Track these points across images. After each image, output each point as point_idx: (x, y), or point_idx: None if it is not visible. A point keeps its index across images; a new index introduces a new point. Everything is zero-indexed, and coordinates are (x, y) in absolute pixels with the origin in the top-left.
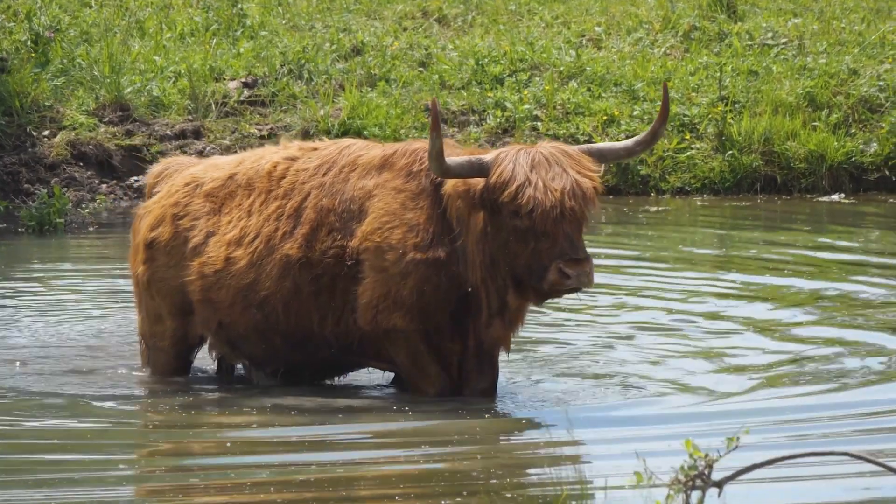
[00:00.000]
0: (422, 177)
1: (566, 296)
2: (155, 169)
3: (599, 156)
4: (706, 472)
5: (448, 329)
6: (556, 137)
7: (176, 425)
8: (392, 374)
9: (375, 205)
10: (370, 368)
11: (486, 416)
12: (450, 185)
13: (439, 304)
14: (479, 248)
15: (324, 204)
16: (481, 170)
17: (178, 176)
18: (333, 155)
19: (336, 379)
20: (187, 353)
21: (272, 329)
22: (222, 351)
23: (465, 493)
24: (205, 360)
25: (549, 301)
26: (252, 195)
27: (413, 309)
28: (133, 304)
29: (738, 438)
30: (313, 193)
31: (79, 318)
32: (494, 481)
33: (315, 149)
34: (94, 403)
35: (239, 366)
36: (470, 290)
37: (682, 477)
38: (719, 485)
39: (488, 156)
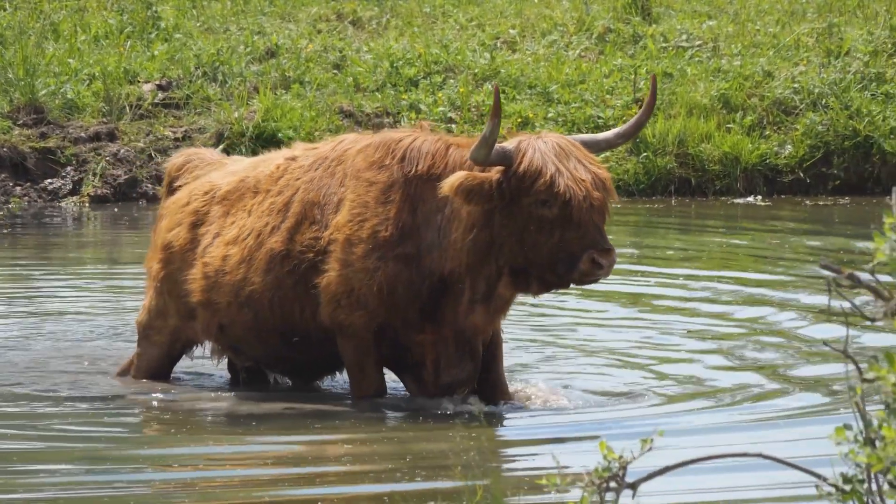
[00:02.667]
0: (393, 169)
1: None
2: (175, 161)
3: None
4: (620, 474)
5: (417, 321)
6: None
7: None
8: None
9: (348, 196)
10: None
11: (418, 417)
12: (453, 182)
13: (410, 299)
14: (468, 234)
15: (310, 198)
16: (505, 158)
17: (199, 172)
18: (327, 151)
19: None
20: (178, 354)
21: (264, 327)
22: (226, 355)
23: (386, 493)
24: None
25: (547, 293)
26: (256, 196)
27: (378, 307)
28: (53, 310)
29: (651, 440)
30: (302, 188)
31: None
32: (418, 470)
33: (315, 148)
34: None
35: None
36: (447, 277)
37: (595, 479)
38: (633, 486)
39: (509, 144)
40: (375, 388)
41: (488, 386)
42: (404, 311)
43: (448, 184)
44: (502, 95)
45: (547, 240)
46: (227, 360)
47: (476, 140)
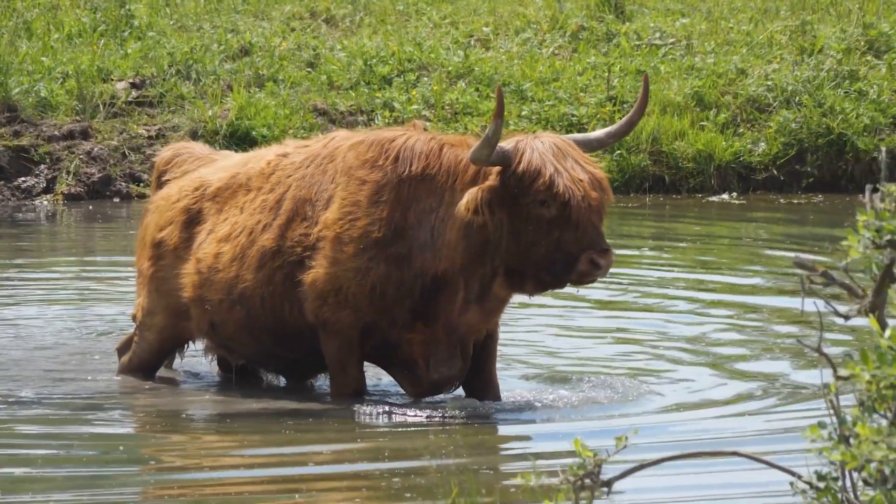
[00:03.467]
0: (386, 169)
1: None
2: (164, 155)
3: None
4: (595, 472)
5: (407, 320)
6: None
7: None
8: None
9: (338, 193)
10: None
11: (395, 416)
12: (473, 203)
13: (400, 299)
14: (463, 234)
15: (301, 195)
16: (504, 158)
17: (188, 167)
18: (318, 148)
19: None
20: (168, 352)
21: (256, 325)
22: (219, 353)
23: (363, 489)
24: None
25: (541, 294)
26: (248, 193)
27: (368, 307)
28: (28, 306)
29: (626, 438)
30: (294, 185)
31: None
32: (394, 468)
33: (307, 146)
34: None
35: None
36: (440, 277)
37: (571, 477)
38: (608, 484)
39: (506, 144)
40: (355, 387)
41: (479, 384)
42: (393, 311)
43: (466, 206)
44: (476, 93)
45: (544, 240)
46: (217, 358)
47: (477, 140)
